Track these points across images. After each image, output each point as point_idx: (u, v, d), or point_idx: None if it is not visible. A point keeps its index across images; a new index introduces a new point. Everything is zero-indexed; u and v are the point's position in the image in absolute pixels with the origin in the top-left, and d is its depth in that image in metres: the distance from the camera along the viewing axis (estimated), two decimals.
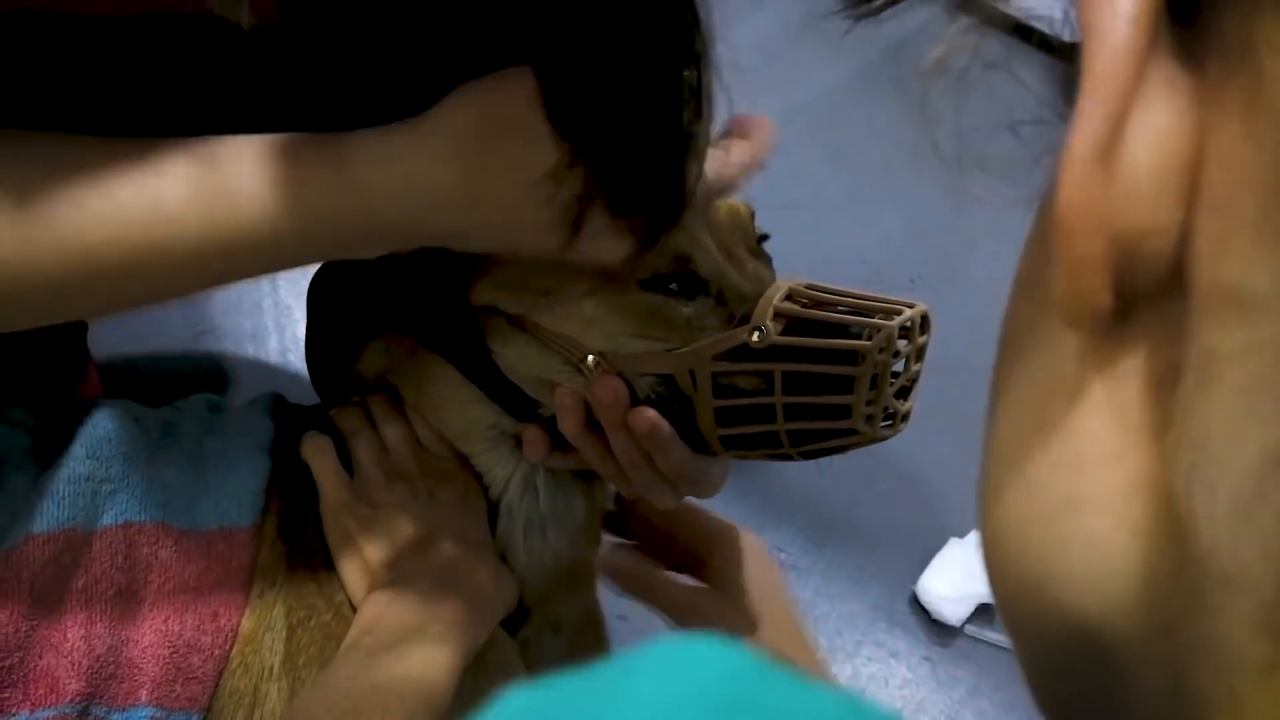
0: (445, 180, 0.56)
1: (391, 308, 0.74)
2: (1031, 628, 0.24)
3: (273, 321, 1.39)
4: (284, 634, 0.68)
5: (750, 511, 1.20)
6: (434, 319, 0.72)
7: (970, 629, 1.12)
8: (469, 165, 0.55)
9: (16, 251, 0.52)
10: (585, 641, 0.84)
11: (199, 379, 1.33)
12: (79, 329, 1.03)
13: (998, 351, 0.28)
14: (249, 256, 0.57)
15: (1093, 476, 0.22)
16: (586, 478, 0.78)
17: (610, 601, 0.85)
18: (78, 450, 0.68)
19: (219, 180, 0.54)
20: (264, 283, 1.43)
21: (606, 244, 0.59)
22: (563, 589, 0.78)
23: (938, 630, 1.15)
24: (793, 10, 2.23)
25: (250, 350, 1.37)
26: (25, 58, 0.55)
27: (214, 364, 1.35)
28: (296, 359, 1.35)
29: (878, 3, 0.46)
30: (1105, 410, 0.22)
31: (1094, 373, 0.23)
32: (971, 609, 1.14)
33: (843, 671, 1.09)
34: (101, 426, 0.69)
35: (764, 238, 0.72)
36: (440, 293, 0.71)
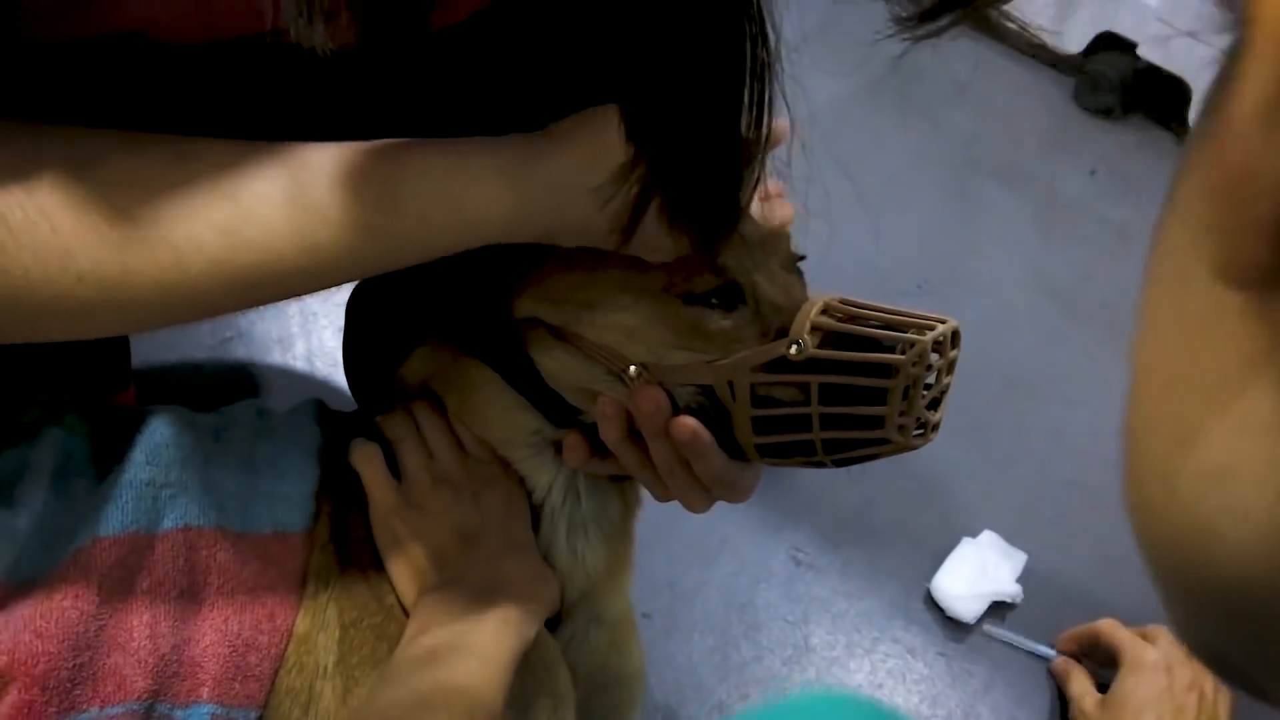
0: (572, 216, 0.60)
1: (436, 317, 0.76)
2: (1181, 575, 0.24)
3: (299, 327, 1.40)
4: (337, 634, 0.69)
5: (768, 513, 1.21)
6: (478, 329, 0.73)
7: (988, 627, 1.14)
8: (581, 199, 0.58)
9: (115, 273, 0.53)
10: (622, 635, 0.85)
11: (230, 386, 1.34)
12: (122, 337, 1.04)
13: (1145, 278, 0.27)
14: (341, 270, 0.59)
15: (1249, 445, 0.21)
16: (620, 480, 0.79)
17: (635, 600, 0.86)
18: (137, 456, 0.69)
19: (310, 199, 0.56)
20: None
21: (660, 249, 0.61)
22: (601, 584, 0.80)
23: (952, 627, 1.16)
24: (794, 25, 2.24)
25: (277, 356, 1.38)
26: (113, 80, 0.57)
27: (244, 372, 1.36)
28: (323, 365, 1.36)
29: (935, 26, 0.48)
30: (1267, 377, 0.21)
31: (1256, 335, 0.21)
32: (985, 606, 1.16)
33: (861, 667, 1.11)
34: (159, 433, 0.71)
35: (800, 257, 0.73)
36: (484, 304, 0.72)
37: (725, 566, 1.17)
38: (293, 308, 1.41)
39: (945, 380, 0.66)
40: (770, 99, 0.50)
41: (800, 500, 1.23)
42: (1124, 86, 2.06)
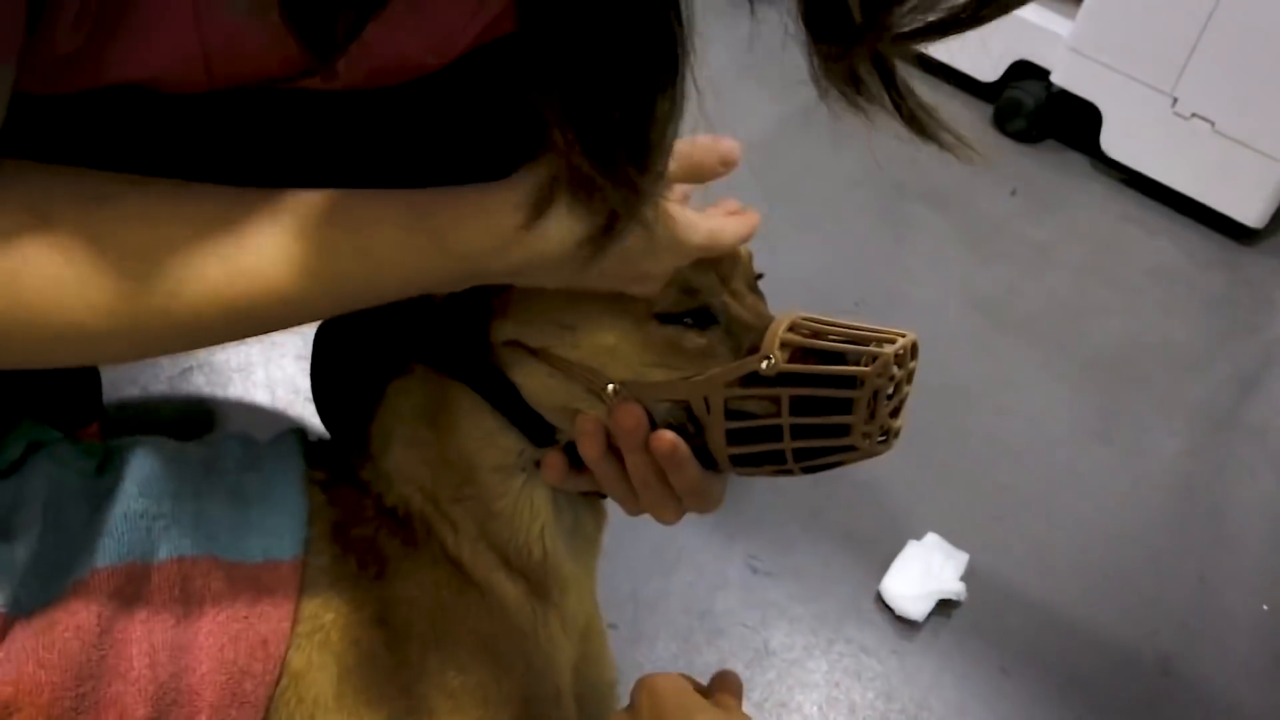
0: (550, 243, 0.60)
1: (416, 342, 0.76)
2: None
3: (259, 356, 1.39)
4: (335, 673, 0.69)
5: (722, 523, 1.23)
6: (459, 353, 0.74)
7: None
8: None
9: (125, 302, 0.54)
10: (596, 646, 0.87)
11: (187, 421, 1.32)
12: (93, 372, 1.03)
13: None
14: (344, 304, 0.61)
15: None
16: (589, 497, 0.80)
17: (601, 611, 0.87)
18: (130, 488, 0.68)
19: (321, 242, 0.57)
20: None
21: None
22: (573, 592, 0.81)
23: (902, 626, 1.19)
24: (728, 55, 2.28)
25: (237, 384, 1.36)
26: (119, 131, 0.57)
27: (200, 406, 1.34)
28: (284, 393, 1.35)
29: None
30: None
31: None
32: (932, 605, 1.19)
33: (819, 667, 1.13)
34: (149, 464, 0.70)
35: (759, 276, 0.76)
36: (465, 328, 0.73)
37: (684, 576, 1.18)
38: (255, 339, 1.41)
39: (905, 389, 0.69)
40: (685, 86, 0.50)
41: (753, 510, 1.25)
42: (1039, 111, 2.13)
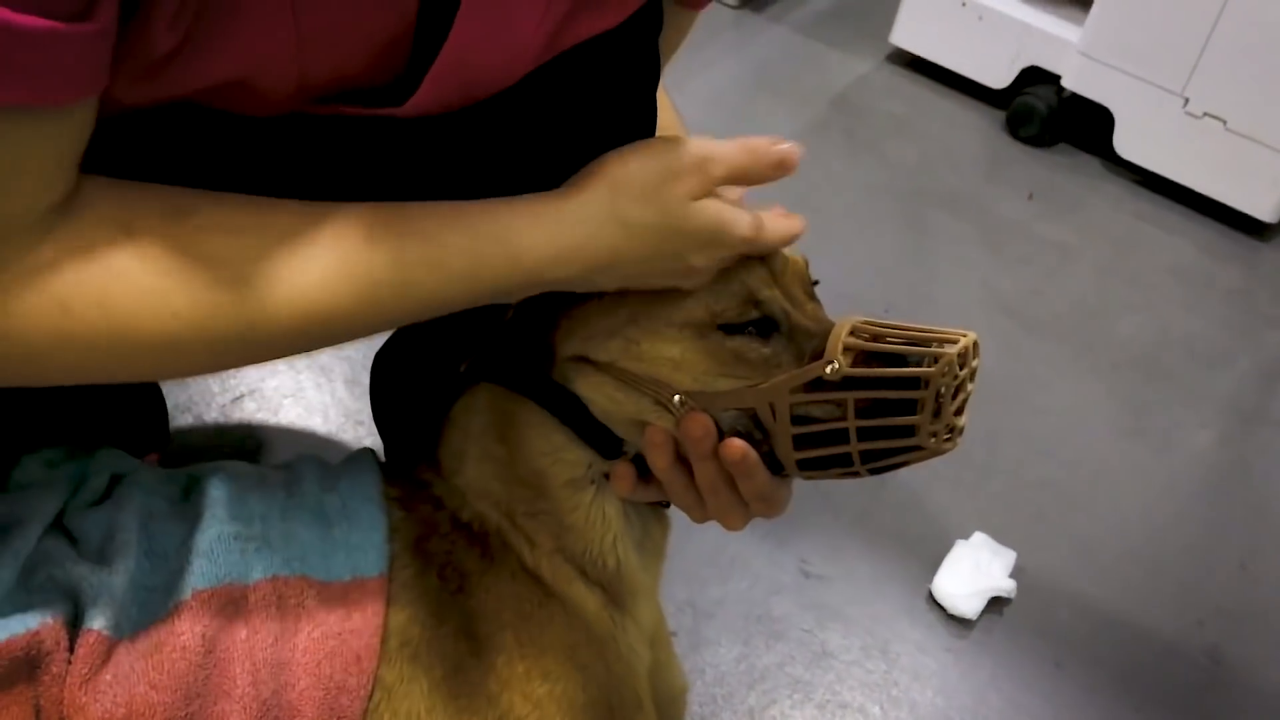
0: (605, 246, 0.63)
1: (484, 360, 0.77)
2: None
3: (310, 381, 1.40)
4: (425, 683, 0.69)
5: (773, 528, 1.24)
6: (526, 369, 0.74)
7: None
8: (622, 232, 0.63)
9: (206, 310, 0.55)
10: (665, 654, 0.87)
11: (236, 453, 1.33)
12: (160, 400, 1.05)
13: None
14: (414, 313, 0.62)
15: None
16: (654, 506, 0.81)
17: None
18: (220, 511, 0.70)
19: (390, 252, 0.59)
20: None
21: (690, 272, 0.66)
22: (644, 600, 0.82)
23: (955, 624, 1.19)
24: (742, 68, 2.30)
25: (289, 410, 1.38)
26: (183, 146, 0.59)
27: (249, 434, 1.35)
28: (336, 416, 1.36)
29: None
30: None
31: None
32: (984, 603, 1.19)
33: (878, 667, 1.13)
34: (235, 488, 0.71)
35: (815, 283, 0.76)
36: (531, 345, 0.74)
37: (739, 582, 1.19)
38: (302, 361, 1.42)
39: (969, 388, 0.69)
40: None
41: (802, 516, 1.25)
42: (1051, 116, 2.14)
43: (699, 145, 0.65)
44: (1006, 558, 1.24)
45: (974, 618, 1.18)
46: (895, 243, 1.86)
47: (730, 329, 0.69)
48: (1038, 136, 2.16)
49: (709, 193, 0.65)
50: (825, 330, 0.69)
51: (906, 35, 2.26)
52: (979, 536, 1.26)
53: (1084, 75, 2.09)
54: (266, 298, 0.56)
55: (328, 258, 0.58)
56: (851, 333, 0.68)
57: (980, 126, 2.21)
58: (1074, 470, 1.44)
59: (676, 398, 0.70)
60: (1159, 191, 2.08)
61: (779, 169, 0.67)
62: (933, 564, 1.23)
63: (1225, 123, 1.96)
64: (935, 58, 2.25)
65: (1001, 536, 1.27)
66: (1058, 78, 2.13)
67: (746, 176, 0.67)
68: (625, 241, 0.63)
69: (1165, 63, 1.98)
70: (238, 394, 1.37)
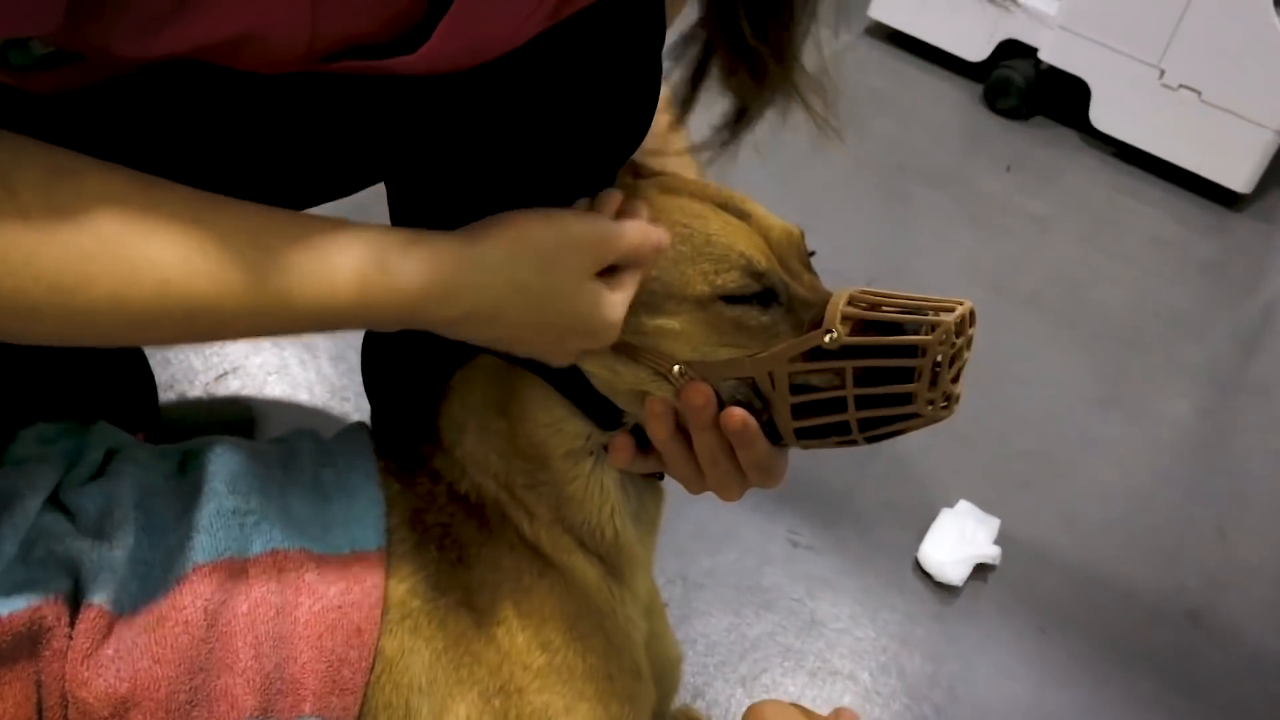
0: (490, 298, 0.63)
1: None
2: None
3: (295, 358, 1.39)
4: (427, 657, 0.69)
5: (762, 500, 1.24)
6: None
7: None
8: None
9: (73, 278, 0.52)
10: (660, 625, 0.88)
11: (226, 425, 1.32)
12: (149, 378, 1.03)
13: None
14: (299, 324, 0.60)
15: None
16: (649, 479, 0.81)
17: None
18: (218, 485, 0.69)
19: (255, 252, 0.57)
20: None
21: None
22: (641, 571, 0.82)
23: (942, 591, 1.20)
24: None
25: (274, 387, 1.36)
26: (184, 106, 0.57)
27: (240, 409, 1.34)
28: (322, 392, 1.35)
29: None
30: None
31: None
32: (969, 569, 1.20)
33: (866, 634, 1.14)
34: (232, 462, 0.71)
35: (811, 254, 0.76)
36: None
37: (729, 554, 1.19)
38: (288, 341, 1.41)
39: (966, 355, 0.69)
40: None
41: (790, 488, 1.25)
42: (1028, 89, 2.14)
43: (599, 224, 0.65)
44: (991, 525, 1.25)
45: (960, 584, 1.19)
46: (876, 216, 1.87)
47: (731, 300, 0.69)
48: (1015, 109, 2.17)
49: (601, 270, 0.65)
50: (823, 300, 0.69)
51: (885, 9, 2.26)
52: (964, 505, 1.27)
53: (1061, 48, 2.09)
54: (137, 275, 0.53)
55: (202, 246, 0.55)
56: (849, 302, 0.68)
57: (958, 100, 2.21)
58: (1056, 439, 1.45)
59: (676, 368, 0.69)
60: (1135, 163, 2.09)
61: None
62: (919, 533, 1.24)
63: (1200, 94, 1.98)
64: (914, 31, 2.25)
65: (986, 505, 1.28)
66: (1035, 51, 2.13)
67: (639, 259, 0.67)
68: (510, 298, 0.63)
69: (1141, 35, 1.99)
70: (221, 371, 1.36)
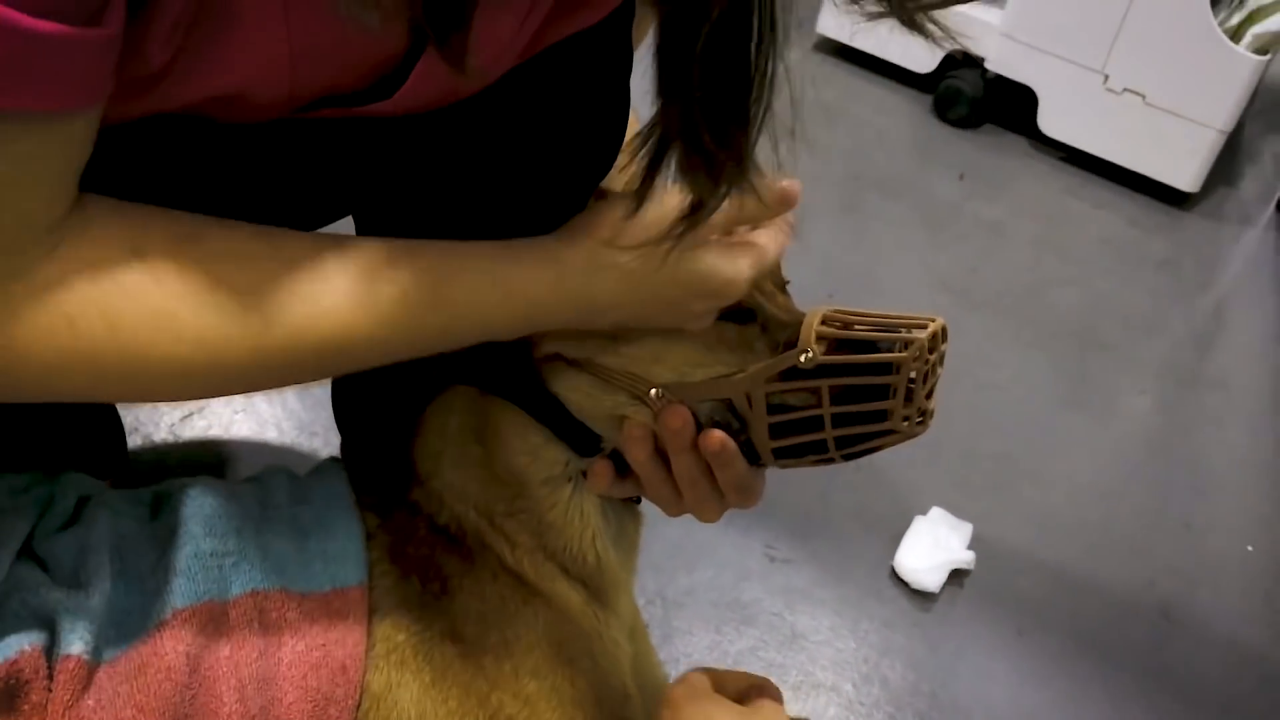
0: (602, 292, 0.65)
1: (456, 364, 0.76)
2: None
3: (261, 396, 1.37)
4: (414, 688, 0.69)
5: (736, 516, 1.23)
6: (501, 370, 0.74)
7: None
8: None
9: (213, 335, 0.55)
10: (644, 647, 0.87)
11: (197, 467, 1.30)
12: (118, 423, 1.02)
13: None
14: (422, 349, 0.63)
15: None
16: (628, 502, 0.81)
17: None
18: (194, 528, 0.68)
19: (401, 293, 0.60)
20: None
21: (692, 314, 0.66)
22: (623, 594, 0.82)
23: (920, 599, 1.20)
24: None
25: (241, 426, 1.35)
26: (178, 156, 0.57)
27: (211, 451, 1.32)
28: (291, 428, 1.34)
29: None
30: None
31: None
32: (945, 576, 1.21)
33: (848, 645, 1.14)
34: (208, 504, 0.70)
35: (786, 281, 0.77)
36: (506, 347, 0.73)
37: (706, 571, 1.19)
38: None
39: (939, 372, 0.70)
40: (774, 52, 0.52)
41: (764, 503, 1.25)
42: (977, 98, 2.17)
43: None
44: (964, 530, 1.26)
45: (936, 591, 1.20)
46: (834, 228, 1.88)
47: None
48: (965, 118, 2.19)
49: (705, 239, 0.65)
50: (797, 320, 0.70)
51: (832, 24, 2.28)
52: (936, 511, 1.27)
53: (1006, 57, 2.12)
54: (274, 328, 0.56)
55: (337, 290, 0.58)
56: (823, 321, 0.69)
57: (909, 111, 2.24)
58: (1022, 441, 1.47)
59: (654, 391, 0.70)
60: (1084, 167, 2.12)
61: (782, 205, 0.67)
62: (893, 541, 1.24)
63: (1144, 97, 2.01)
64: (861, 45, 2.27)
65: (958, 510, 1.29)
66: (981, 60, 2.16)
67: (740, 220, 0.67)
68: (622, 288, 0.64)
69: (1084, 41, 2.03)
70: (186, 412, 1.34)
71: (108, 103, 0.50)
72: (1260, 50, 1.89)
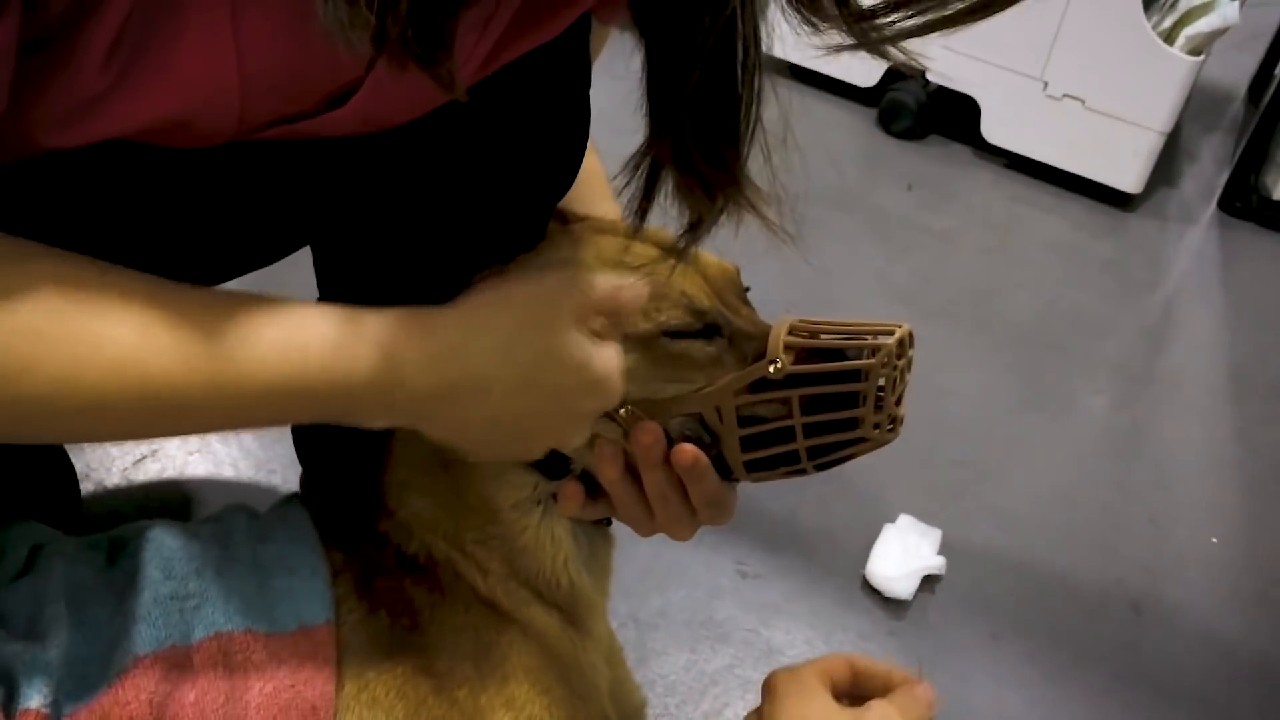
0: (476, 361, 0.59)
1: None
2: None
3: (216, 435, 1.34)
4: None
5: (705, 534, 1.22)
6: None
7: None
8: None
9: (15, 365, 0.49)
10: (621, 671, 0.86)
11: (158, 510, 1.27)
12: (72, 475, 0.99)
13: None
14: (267, 399, 0.55)
15: None
16: (599, 524, 0.80)
17: None
18: (153, 572, 0.66)
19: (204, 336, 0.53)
20: None
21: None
22: (598, 618, 0.80)
23: (893, 607, 1.20)
24: (617, 87, 2.30)
25: (196, 466, 1.32)
26: (114, 183, 0.55)
27: (170, 492, 1.29)
28: (247, 467, 1.31)
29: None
30: None
31: None
32: (917, 582, 1.20)
33: None
34: (166, 546, 0.68)
35: (747, 289, 0.76)
36: None
37: (678, 591, 1.18)
38: None
39: (907, 378, 0.70)
40: (759, 68, 0.53)
41: (733, 519, 1.25)
42: (920, 110, 2.19)
43: (574, 273, 0.64)
44: (933, 536, 1.26)
45: (909, 598, 1.19)
46: (787, 245, 1.88)
47: (675, 336, 0.69)
48: (910, 130, 2.21)
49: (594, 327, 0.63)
50: (764, 332, 0.70)
51: (774, 41, 2.29)
52: (905, 519, 1.27)
53: (947, 68, 2.15)
54: (80, 361, 0.49)
55: (160, 320, 0.51)
56: (790, 331, 0.69)
57: (854, 125, 2.25)
58: (984, 445, 1.47)
59: (623, 409, 0.68)
60: (1029, 173, 2.15)
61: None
62: (864, 551, 1.24)
63: (1084, 102, 2.04)
64: (804, 62, 2.28)
65: (926, 516, 1.29)
66: (924, 72, 2.18)
67: (617, 310, 0.65)
68: (502, 362, 0.59)
69: (1023, 49, 2.06)
70: (139, 456, 1.30)
71: (46, 131, 0.48)
72: (1194, 51, 1.93)
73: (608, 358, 0.63)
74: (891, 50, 0.58)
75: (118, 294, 0.51)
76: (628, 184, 0.55)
